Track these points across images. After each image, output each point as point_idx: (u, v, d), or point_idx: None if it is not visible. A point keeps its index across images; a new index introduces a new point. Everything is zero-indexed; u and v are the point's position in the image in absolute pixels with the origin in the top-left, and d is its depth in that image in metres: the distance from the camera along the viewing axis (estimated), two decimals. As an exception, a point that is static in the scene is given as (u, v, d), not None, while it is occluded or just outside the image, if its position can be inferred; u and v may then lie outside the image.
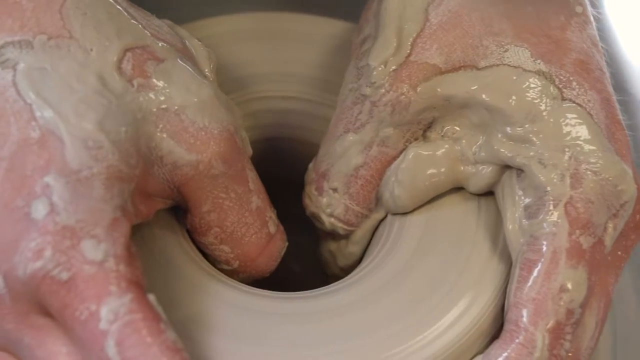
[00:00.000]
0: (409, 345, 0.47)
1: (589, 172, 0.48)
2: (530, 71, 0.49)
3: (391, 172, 0.52)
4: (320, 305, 0.49)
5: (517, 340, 0.46)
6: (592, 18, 0.52)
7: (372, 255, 0.52)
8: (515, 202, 0.49)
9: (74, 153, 0.44)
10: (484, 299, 0.48)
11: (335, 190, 0.53)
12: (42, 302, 0.43)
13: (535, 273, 0.47)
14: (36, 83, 0.45)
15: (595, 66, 0.51)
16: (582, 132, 0.48)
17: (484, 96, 0.49)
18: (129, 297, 0.42)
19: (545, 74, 0.49)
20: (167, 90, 0.47)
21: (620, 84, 0.56)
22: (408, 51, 0.50)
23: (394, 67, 0.50)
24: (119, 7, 0.49)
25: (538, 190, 0.48)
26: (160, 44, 0.48)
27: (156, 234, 0.50)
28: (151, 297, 0.43)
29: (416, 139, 0.52)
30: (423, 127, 0.51)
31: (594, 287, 0.48)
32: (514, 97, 0.49)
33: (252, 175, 0.51)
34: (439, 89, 0.50)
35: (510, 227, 0.49)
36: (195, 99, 0.47)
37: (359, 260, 0.54)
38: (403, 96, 0.50)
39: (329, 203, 0.53)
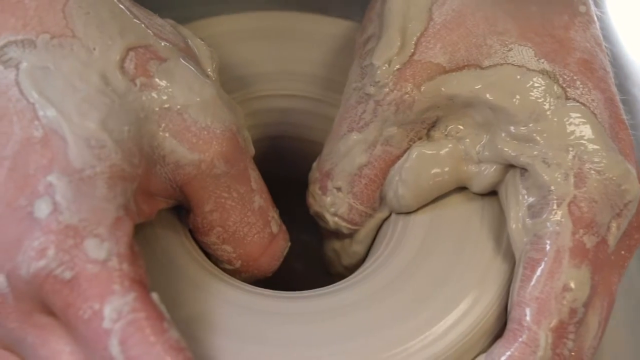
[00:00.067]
0: (412, 344, 0.47)
1: (592, 172, 0.48)
2: (534, 70, 0.49)
3: (395, 171, 0.52)
4: (323, 304, 0.49)
5: (520, 339, 0.46)
6: (595, 17, 0.52)
7: (376, 255, 0.52)
8: (518, 201, 0.49)
9: (76, 152, 0.44)
10: (487, 298, 0.48)
11: (339, 189, 0.53)
12: (45, 301, 0.43)
13: (538, 272, 0.47)
14: (39, 82, 0.45)
15: (599, 65, 0.51)
16: (586, 131, 0.48)
17: (487, 95, 0.49)
18: (132, 296, 0.42)
19: (549, 73, 0.49)
20: (170, 90, 0.47)
21: (623, 83, 0.56)
22: (412, 50, 0.50)
23: (397, 66, 0.50)
24: (121, 6, 0.49)
25: (542, 189, 0.48)
26: (163, 44, 0.48)
27: (159, 234, 0.50)
28: (154, 296, 0.43)
29: (420, 139, 0.52)
30: (427, 127, 0.51)
31: (597, 287, 0.48)
32: (517, 97, 0.49)
33: (254, 175, 0.51)
34: (442, 88, 0.50)
35: (514, 226, 0.49)
36: (198, 99, 0.47)
37: (363, 259, 0.55)
38: (407, 95, 0.50)
39: (333, 202, 0.53)
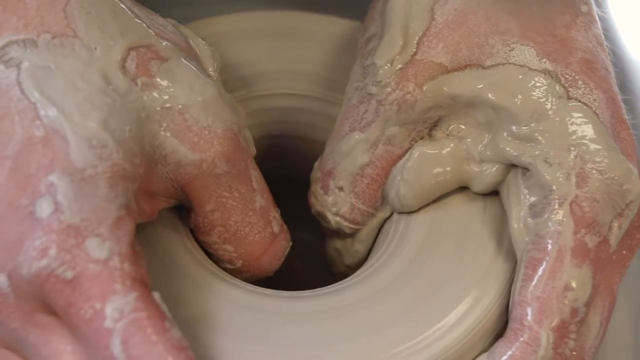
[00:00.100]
0: (413, 343, 0.47)
1: (594, 171, 0.48)
2: (536, 70, 0.49)
3: (397, 171, 0.52)
4: (325, 304, 0.49)
5: (521, 339, 0.46)
6: (597, 17, 0.52)
7: (377, 254, 0.52)
8: (520, 201, 0.49)
9: (78, 152, 0.44)
10: (488, 298, 0.48)
11: (341, 189, 0.53)
12: (46, 301, 0.43)
13: (540, 272, 0.47)
14: (40, 82, 0.45)
15: (601, 65, 0.51)
16: (588, 131, 0.48)
17: (489, 95, 0.49)
18: (133, 295, 0.42)
19: (550, 73, 0.49)
20: (171, 90, 0.47)
21: (624, 83, 0.56)
22: (414, 50, 0.50)
23: (400, 66, 0.50)
24: (123, 6, 0.49)
25: (543, 189, 0.48)
26: (164, 43, 0.48)
27: (160, 234, 0.50)
28: (156, 295, 0.43)
29: (422, 138, 0.52)
30: (429, 126, 0.51)
31: (598, 286, 0.48)
32: (519, 96, 0.49)
33: (255, 175, 0.51)
34: (444, 88, 0.50)
35: (515, 225, 0.49)
36: (199, 98, 0.47)
37: (365, 258, 0.55)
38: (409, 95, 0.50)
39: (335, 202, 0.53)
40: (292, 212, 0.54)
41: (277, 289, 0.50)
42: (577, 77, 0.50)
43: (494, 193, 0.52)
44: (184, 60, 0.48)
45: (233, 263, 0.51)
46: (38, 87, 0.45)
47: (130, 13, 0.49)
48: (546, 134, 0.48)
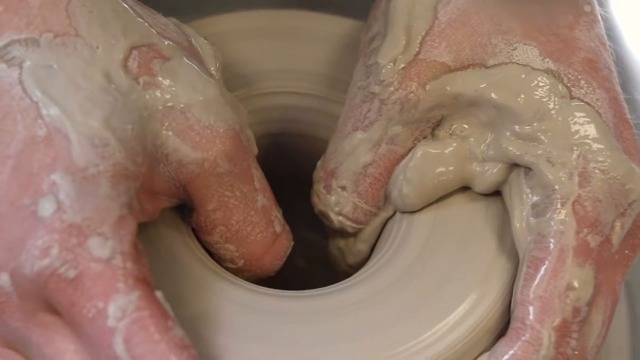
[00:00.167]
0: (415, 343, 0.47)
1: (597, 171, 0.48)
2: (538, 70, 0.49)
3: (400, 170, 0.52)
4: (327, 303, 0.49)
5: (523, 338, 0.46)
6: (600, 17, 0.52)
7: (380, 254, 0.52)
8: (522, 200, 0.49)
9: (80, 151, 0.43)
10: (490, 297, 0.48)
11: (343, 188, 0.53)
12: (49, 300, 0.42)
13: (542, 271, 0.47)
14: (42, 81, 0.45)
15: (603, 65, 0.51)
16: (591, 130, 0.48)
17: (492, 94, 0.49)
18: (136, 294, 0.42)
19: (553, 73, 0.49)
20: (173, 89, 0.47)
21: (627, 82, 0.56)
22: (417, 49, 0.50)
23: (402, 65, 0.50)
24: (125, 5, 0.49)
25: (546, 188, 0.48)
26: (166, 42, 0.48)
27: (162, 233, 0.50)
28: (158, 294, 0.43)
29: (425, 137, 0.52)
30: (432, 126, 0.52)
31: (600, 286, 0.48)
32: (522, 96, 0.49)
33: (257, 174, 0.51)
34: (447, 87, 0.50)
35: (518, 225, 0.49)
36: (201, 98, 0.47)
37: (368, 257, 0.55)
38: (412, 94, 0.50)
39: (338, 201, 0.53)
40: (293, 210, 0.54)
41: (278, 287, 0.50)
42: (579, 77, 0.50)
43: (496, 193, 0.52)
44: (186, 60, 0.48)
45: (235, 262, 0.51)
46: (40, 86, 0.45)
47: (132, 12, 0.49)
48: (549, 134, 0.48)
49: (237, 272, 0.51)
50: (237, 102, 0.51)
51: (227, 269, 0.51)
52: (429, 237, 0.51)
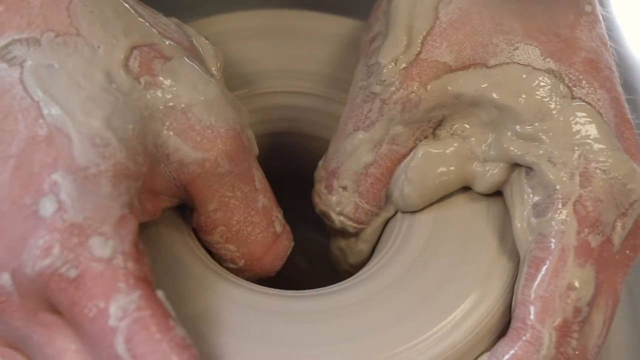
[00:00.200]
0: (416, 342, 0.47)
1: (598, 171, 0.48)
2: (540, 69, 0.49)
3: (401, 170, 0.52)
4: (327, 303, 0.49)
5: (524, 338, 0.46)
6: (601, 17, 0.52)
7: (381, 254, 0.52)
8: (524, 200, 0.49)
9: (81, 150, 0.43)
10: (491, 297, 0.48)
11: (344, 188, 0.53)
12: (50, 300, 0.42)
13: (543, 271, 0.47)
14: (43, 80, 0.45)
15: (605, 65, 0.51)
16: (592, 130, 0.48)
17: (493, 94, 0.49)
18: (137, 293, 0.42)
19: (554, 73, 0.49)
20: (174, 89, 0.47)
21: (628, 83, 0.56)
22: (418, 49, 0.50)
23: (404, 65, 0.50)
24: (126, 5, 0.49)
25: (547, 188, 0.48)
26: (167, 42, 0.48)
27: (162, 233, 0.50)
28: (160, 294, 0.43)
29: (426, 137, 0.52)
30: (433, 125, 0.52)
31: (601, 286, 0.48)
32: (523, 96, 0.49)
33: (258, 174, 0.51)
34: (449, 87, 0.50)
35: (519, 225, 0.49)
36: (202, 98, 0.47)
37: (369, 257, 0.55)
38: (413, 94, 0.50)
39: (339, 201, 0.53)
40: (294, 210, 0.54)
41: (279, 286, 0.50)
42: (581, 77, 0.50)
43: (497, 193, 0.52)
44: (187, 60, 0.48)
45: (235, 262, 0.51)
46: (41, 85, 0.45)
47: (133, 12, 0.49)
48: (550, 134, 0.49)
49: (238, 272, 0.51)
50: (238, 102, 0.51)
51: (228, 269, 0.51)
52: (430, 237, 0.51)
